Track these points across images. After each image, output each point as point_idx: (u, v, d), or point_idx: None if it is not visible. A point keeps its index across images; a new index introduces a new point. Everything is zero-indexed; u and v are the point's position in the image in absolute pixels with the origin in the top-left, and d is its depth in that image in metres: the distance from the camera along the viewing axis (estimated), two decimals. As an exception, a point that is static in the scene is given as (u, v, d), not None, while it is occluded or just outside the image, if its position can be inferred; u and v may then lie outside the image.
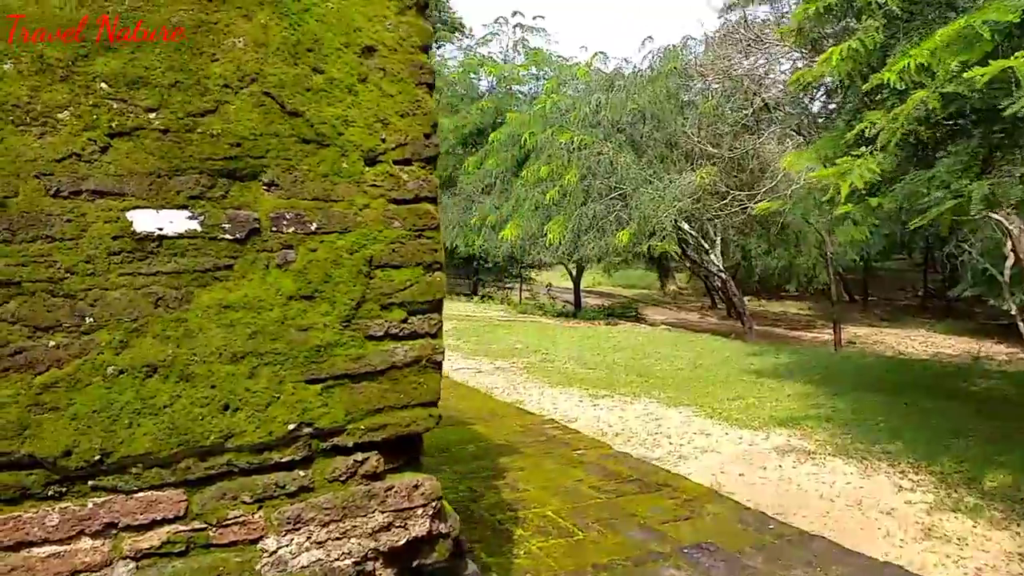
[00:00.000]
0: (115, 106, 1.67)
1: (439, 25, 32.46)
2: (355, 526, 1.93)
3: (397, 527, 1.98)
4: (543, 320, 17.80)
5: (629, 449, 5.70)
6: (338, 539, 1.90)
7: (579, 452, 5.17)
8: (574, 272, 26.96)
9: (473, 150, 22.97)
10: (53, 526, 1.62)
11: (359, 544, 1.92)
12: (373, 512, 1.95)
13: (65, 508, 1.64)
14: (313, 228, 1.86)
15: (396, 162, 1.96)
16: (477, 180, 21.14)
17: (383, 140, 1.94)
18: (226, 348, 1.77)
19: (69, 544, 1.64)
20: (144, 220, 1.69)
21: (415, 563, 2.04)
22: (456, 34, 32.52)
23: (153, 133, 1.70)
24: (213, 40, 1.76)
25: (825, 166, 5.88)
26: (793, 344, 17.00)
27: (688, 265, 22.75)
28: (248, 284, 1.79)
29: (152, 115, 1.70)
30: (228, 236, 1.77)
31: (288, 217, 1.84)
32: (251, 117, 1.80)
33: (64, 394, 1.62)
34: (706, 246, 19.36)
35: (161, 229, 1.71)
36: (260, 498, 1.83)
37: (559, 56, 25.14)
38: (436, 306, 2.05)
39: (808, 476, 5.17)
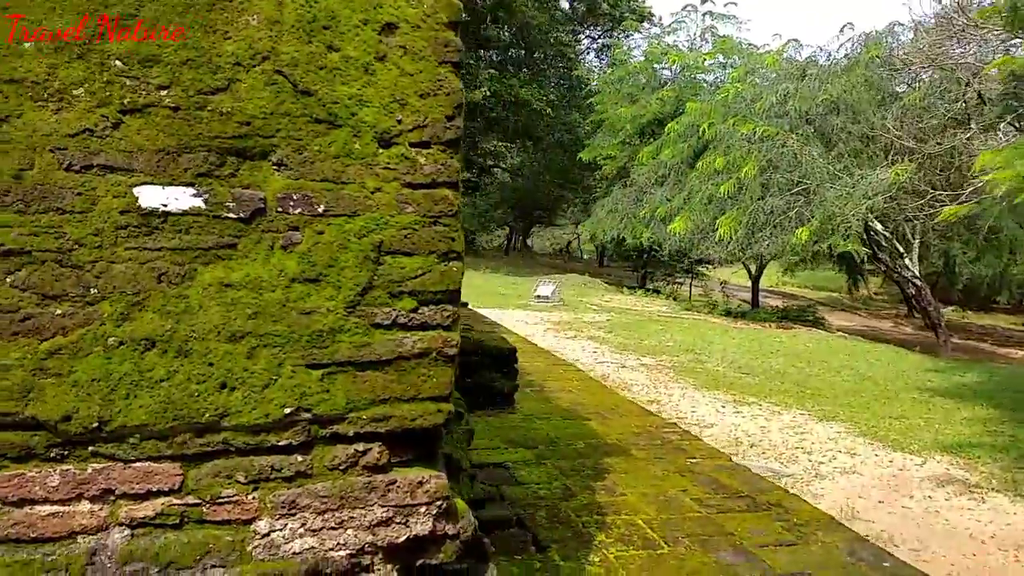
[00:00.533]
0: (128, 83, 1.71)
1: (627, 14, 32.02)
2: (352, 517, 1.87)
3: (397, 523, 1.90)
4: (709, 319, 17.12)
5: (762, 462, 5.31)
6: (333, 529, 1.86)
7: (693, 460, 4.87)
8: (753, 269, 25.72)
9: (651, 140, 22.48)
10: (54, 486, 1.70)
11: (355, 536, 1.87)
12: (372, 505, 1.88)
13: (66, 471, 1.71)
14: (320, 210, 1.82)
15: (413, 144, 1.87)
16: (650, 171, 20.67)
17: (399, 121, 1.85)
18: (225, 327, 1.77)
19: (69, 506, 1.71)
20: (150, 196, 1.72)
21: (418, 562, 1.96)
22: (644, 23, 31.95)
23: (164, 110, 1.73)
24: (227, 18, 1.75)
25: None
26: (996, 362, 15.18)
27: (882, 269, 20.96)
28: (251, 264, 1.78)
29: (163, 92, 1.73)
30: (232, 215, 1.76)
31: (295, 198, 1.80)
32: (262, 96, 1.78)
33: (67, 361, 1.68)
34: (900, 249, 17.75)
35: (166, 205, 1.73)
36: (255, 479, 1.82)
37: (749, 44, 24.01)
38: (451, 297, 1.95)
39: (961, 511, 4.56)
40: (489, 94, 24.59)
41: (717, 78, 24.08)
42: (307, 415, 1.83)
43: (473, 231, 42.06)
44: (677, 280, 27.52)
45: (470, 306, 13.92)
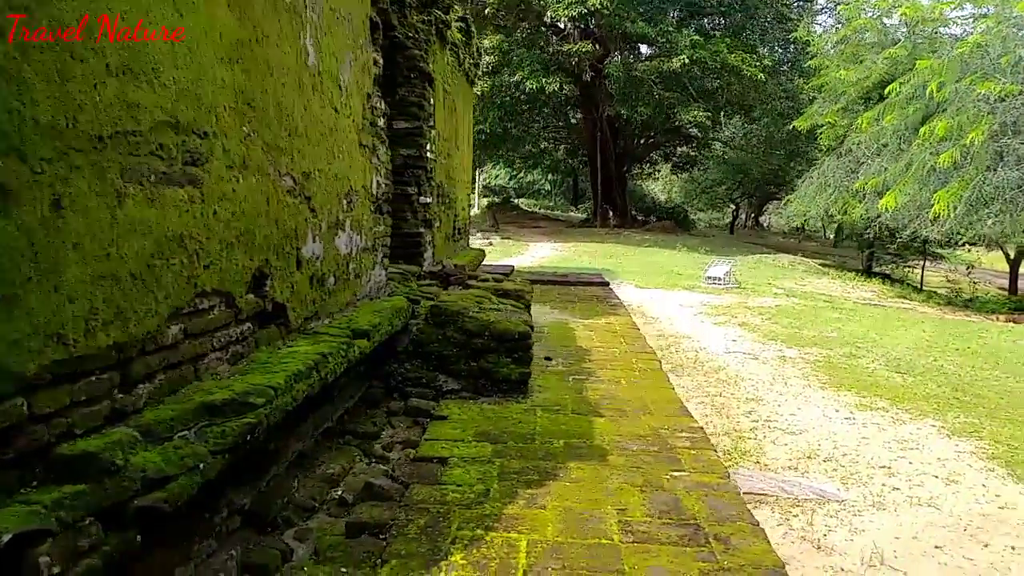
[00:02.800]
0: None
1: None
2: None
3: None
4: (917, 308, 14.86)
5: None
6: None
7: (676, 474, 4.13)
8: (1011, 253, 22.09)
9: (875, 105, 19.94)
10: None
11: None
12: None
13: None
14: None
15: None
16: (870, 139, 18.33)
17: None
18: None
19: None
20: None
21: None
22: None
23: None
24: None
25: None
26: None
27: None
28: None
29: None
30: None
31: None
32: None
33: None
34: None
35: None
36: None
37: (1003, -13, 20.34)
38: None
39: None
40: (689, 62, 23.22)
41: (965, 31, 20.71)
42: None
43: (687, 207, 40.41)
44: (910, 264, 24.34)
45: (612, 285, 13.28)
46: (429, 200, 8.21)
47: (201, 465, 2.59)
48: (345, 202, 4.88)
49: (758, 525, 3.57)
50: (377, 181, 5.75)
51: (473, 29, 10.79)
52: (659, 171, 43.97)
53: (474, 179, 41.62)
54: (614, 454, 4.42)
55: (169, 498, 2.37)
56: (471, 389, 5.53)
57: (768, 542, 3.35)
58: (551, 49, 26.28)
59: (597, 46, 26.83)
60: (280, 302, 3.86)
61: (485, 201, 39.98)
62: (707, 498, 3.81)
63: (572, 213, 43.15)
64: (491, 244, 23.39)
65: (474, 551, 3.22)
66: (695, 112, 24.67)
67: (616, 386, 6.09)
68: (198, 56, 2.90)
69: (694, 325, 10.35)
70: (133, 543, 2.28)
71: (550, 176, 48.04)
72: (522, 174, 46.72)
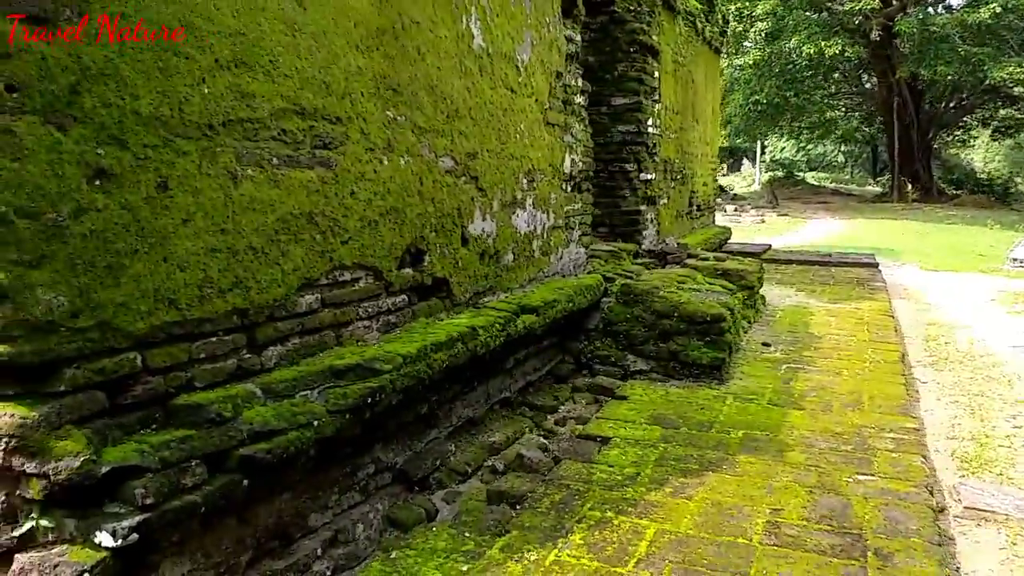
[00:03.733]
0: None
1: None
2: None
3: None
4: None
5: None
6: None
7: (859, 477, 3.63)
8: None
9: None
10: None
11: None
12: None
13: None
14: None
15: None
16: None
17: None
18: None
19: None
20: None
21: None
22: None
23: None
24: None
25: None
26: None
27: None
28: None
29: None
30: None
31: None
32: None
33: None
34: None
35: None
36: None
37: None
38: None
39: None
40: (1002, 9, 19.80)
41: None
42: None
43: (1012, 178, 34.61)
44: None
45: (890, 267, 11.78)
46: (651, 177, 8.01)
47: (316, 423, 2.83)
48: (525, 180, 4.95)
49: (940, 545, 3.03)
50: (571, 159, 5.75)
51: (716, -5, 10.26)
52: (976, 138, 38.22)
53: (757, 153, 39.70)
54: (795, 450, 4.01)
55: (273, 449, 2.62)
56: (661, 371, 5.34)
57: (945, 567, 2.82)
58: (834, 7, 24.05)
59: (884, 1, 24.03)
60: (441, 276, 4.05)
61: (766, 176, 37.87)
62: (886, 507, 3.31)
63: (870, 187, 39.24)
64: (763, 222, 22.16)
65: (596, 533, 3.14)
66: (1012, 68, 21.02)
67: (833, 377, 5.48)
68: (326, 45, 3.13)
69: (977, 314, 8.94)
70: (238, 487, 2.56)
71: (843, 147, 44.09)
72: (810, 146, 43.45)
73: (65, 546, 2.20)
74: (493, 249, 4.58)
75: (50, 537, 2.20)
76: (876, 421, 4.52)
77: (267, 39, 2.83)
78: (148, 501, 2.25)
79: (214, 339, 2.67)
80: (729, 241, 12.16)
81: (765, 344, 6.41)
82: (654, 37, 7.87)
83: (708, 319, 5.23)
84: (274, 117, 2.88)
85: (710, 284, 6.14)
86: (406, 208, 3.70)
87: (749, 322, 7.01)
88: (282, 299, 2.95)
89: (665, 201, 8.70)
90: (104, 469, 2.18)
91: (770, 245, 13.60)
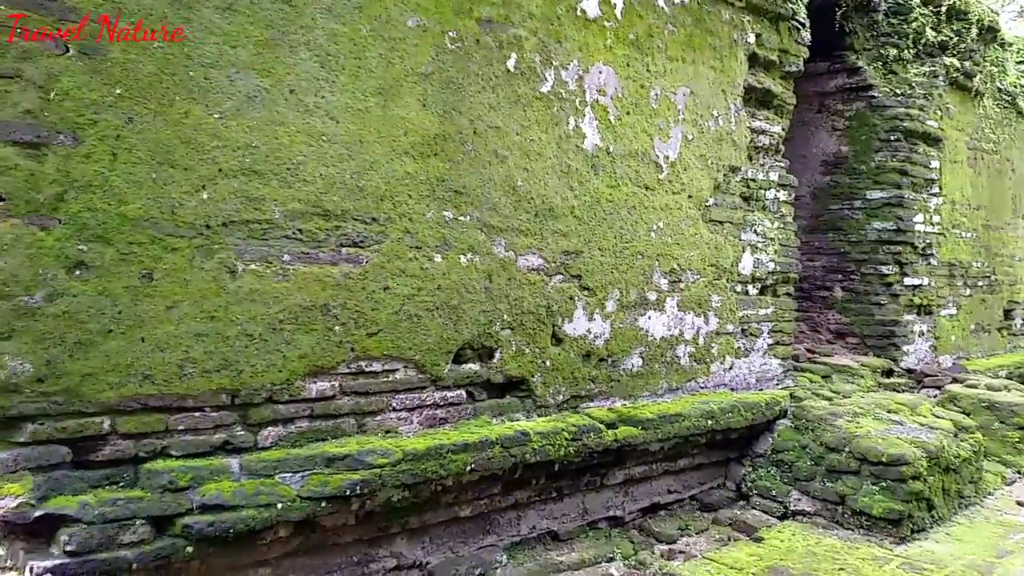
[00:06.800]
0: None
1: None
2: None
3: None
4: None
5: None
6: None
7: None
8: None
9: None
10: None
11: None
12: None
13: None
14: None
15: None
16: None
17: None
18: None
19: None
20: None
21: None
22: None
23: None
24: None
25: None
26: None
27: None
28: None
29: None
30: None
31: None
32: None
33: None
34: None
35: None
36: None
37: None
38: None
39: None
40: None
41: None
42: None
43: None
44: None
45: None
46: (921, 282, 6.79)
47: (279, 504, 2.98)
48: (664, 280, 4.61)
49: None
50: (755, 259, 5.19)
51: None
52: None
53: None
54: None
55: (216, 522, 2.82)
56: (827, 515, 4.42)
57: None
58: None
59: None
60: (518, 375, 3.96)
61: None
62: None
63: None
64: None
65: None
66: None
67: None
68: (362, 154, 3.37)
69: None
70: (181, 551, 2.80)
71: None
72: None
73: (13, 573, 2.63)
74: (604, 352, 4.33)
75: (7, 563, 2.65)
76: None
77: (285, 150, 3.16)
78: (71, 548, 2.59)
79: (197, 413, 2.98)
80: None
81: (1020, 503, 4.91)
82: (929, 123, 6.78)
83: (884, 460, 4.21)
84: (289, 218, 3.17)
85: (935, 418, 4.93)
86: (464, 304, 3.73)
87: (1020, 473, 5.44)
88: (283, 383, 3.18)
89: (951, 312, 7.24)
90: (37, 513, 2.58)
91: None
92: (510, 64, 3.87)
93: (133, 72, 2.77)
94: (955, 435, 4.72)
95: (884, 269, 6.61)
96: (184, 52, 2.88)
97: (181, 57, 2.87)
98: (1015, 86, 7.90)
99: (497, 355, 3.88)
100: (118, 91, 2.74)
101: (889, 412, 4.89)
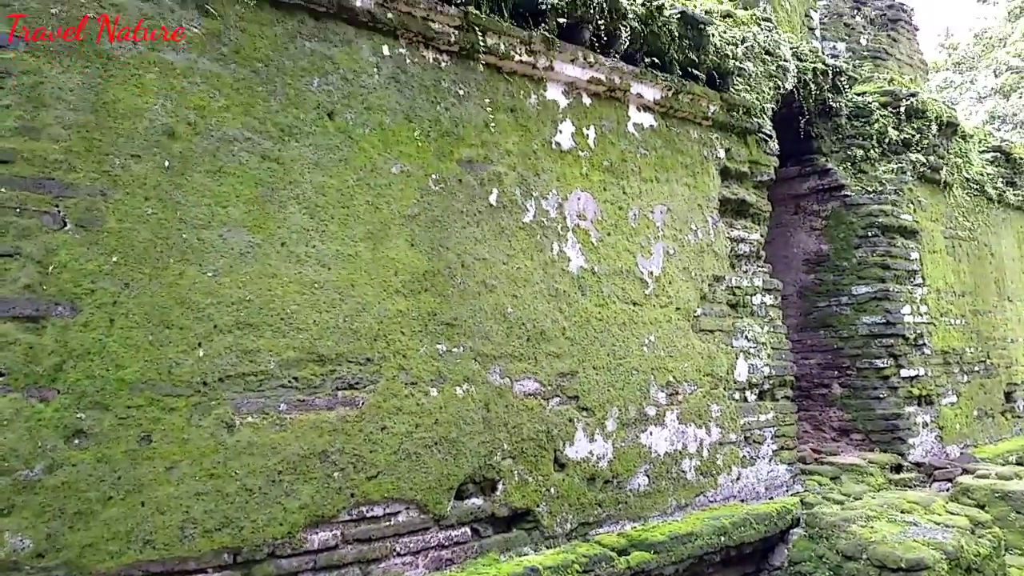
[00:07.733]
0: None
1: None
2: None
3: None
4: None
5: None
6: None
7: None
8: None
9: None
10: None
11: None
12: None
13: None
14: None
15: None
16: None
17: None
18: None
19: None
20: None
21: None
22: None
23: None
24: None
25: None
26: None
27: None
28: None
29: None
30: None
31: None
32: None
33: None
34: None
35: None
36: None
37: None
38: None
39: None
40: None
41: None
42: None
43: None
44: None
45: None
46: (917, 372, 6.79)
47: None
48: (662, 394, 4.62)
49: None
50: (750, 365, 5.22)
51: (1017, 153, 8.79)
52: None
53: None
54: None
55: None
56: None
57: None
58: None
59: None
60: (522, 507, 3.90)
61: None
62: None
63: None
64: None
65: None
66: None
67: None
68: (354, 297, 3.44)
69: None
70: None
71: None
72: None
73: None
74: (609, 473, 4.28)
75: None
76: None
77: (278, 301, 3.23)
78: None
79: (199, 575, 2.92)
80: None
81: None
82: (904, 217, 6.97)
83: (903, 566, 4.11)
84: (284, 367, 3.21)
85: (950, 515, 4.84)
86: (463, 437, 3.72)
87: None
88: (285, 537, 3.12)
89: (952, 400, 7.22)
90: None
91: None
92: (492, 199, 4.01)
93: (128, 239, 2.86)
94: (972, 531, 4.62)
95: (879, 363, 6.63)
96: (177, 216, 2.99)
97: (174, 221, 2.98)
98: (981, 174, 8.18)
99: (500, 487, 3.84)
100: (114, 259, 2.83)
101: (903, 512, 4.80)
